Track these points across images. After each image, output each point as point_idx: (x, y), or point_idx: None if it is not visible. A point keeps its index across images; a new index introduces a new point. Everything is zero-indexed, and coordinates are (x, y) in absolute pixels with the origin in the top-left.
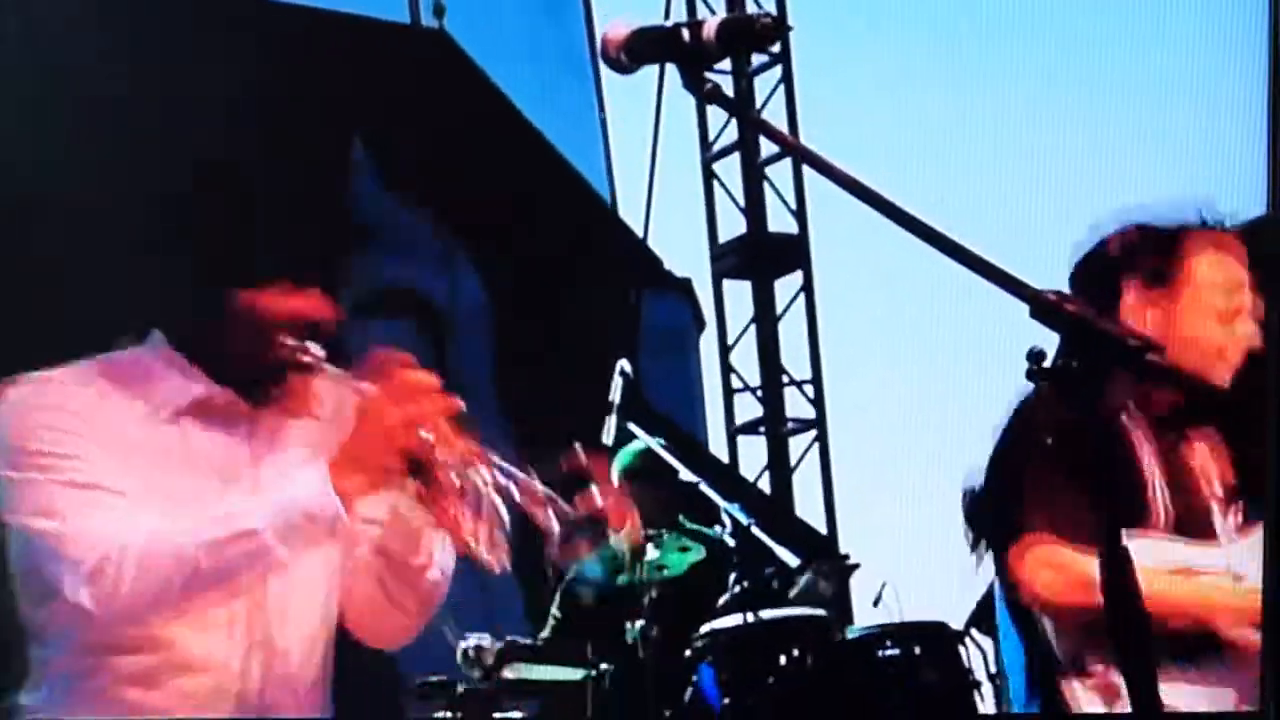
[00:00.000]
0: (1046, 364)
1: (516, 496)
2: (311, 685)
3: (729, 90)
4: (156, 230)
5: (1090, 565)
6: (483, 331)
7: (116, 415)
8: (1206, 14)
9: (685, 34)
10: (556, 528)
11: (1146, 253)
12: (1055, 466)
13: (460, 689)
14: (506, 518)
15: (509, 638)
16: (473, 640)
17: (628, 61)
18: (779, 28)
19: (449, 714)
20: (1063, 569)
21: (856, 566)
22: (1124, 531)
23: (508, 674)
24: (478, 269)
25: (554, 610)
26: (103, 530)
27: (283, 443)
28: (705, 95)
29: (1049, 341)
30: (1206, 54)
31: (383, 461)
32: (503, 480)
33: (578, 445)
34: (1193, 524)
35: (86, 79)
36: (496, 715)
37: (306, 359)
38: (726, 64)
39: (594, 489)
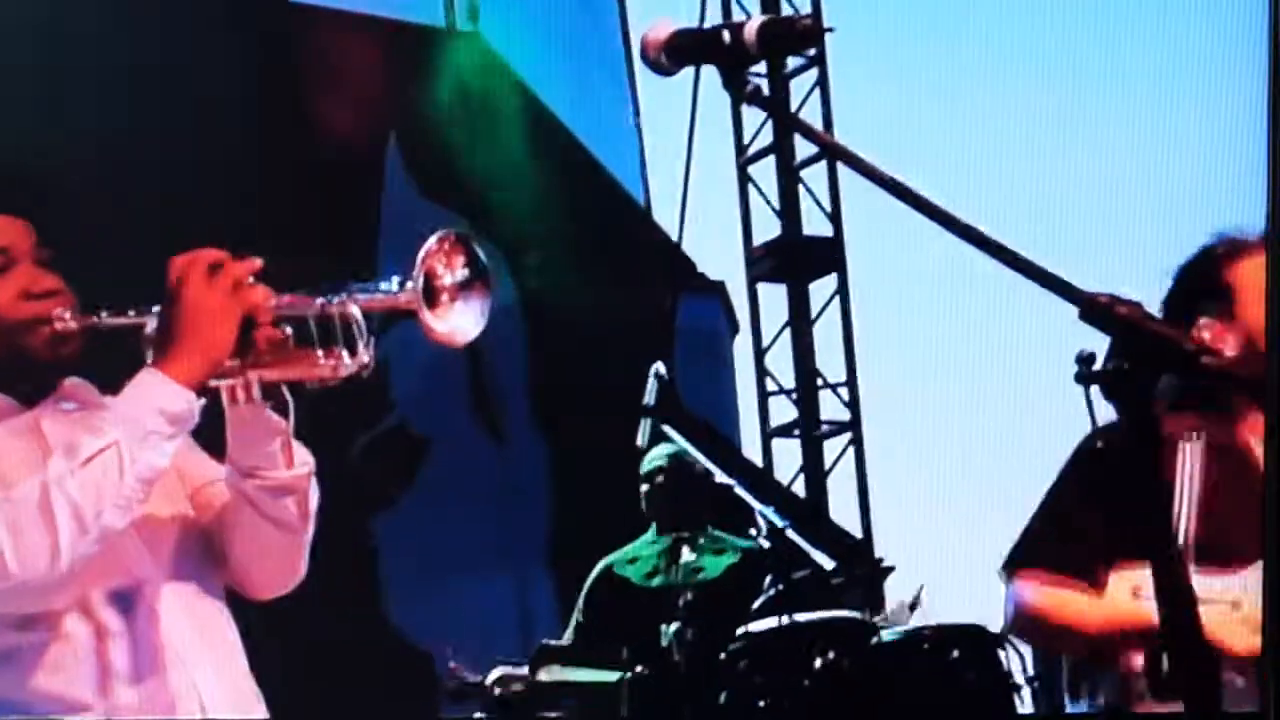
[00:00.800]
0: (1096, 366)
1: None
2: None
3: (767, 92)
4: None
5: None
6: (516, 336)
7: None
8: (1207, 13)
9: (726, 36)
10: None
11: (1214, 272)
12: (1083, 490)
13: (496, 691)
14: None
15: (544, 641)
16: (498, 673)
17: (668, 63)
18: (819, 30)
19: (483, 715)
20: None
21: (891, 570)
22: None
23: (543, 676)
24: (511, 273)
25: (576, 614)
26: None
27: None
28: (745, 96)
29: (1089, 342)
30: (1207, 50)
31: (209, 337)
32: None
33: None
34: (1219, 549)
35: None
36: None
37: (60, 326)
38: (760, 66)
39: None
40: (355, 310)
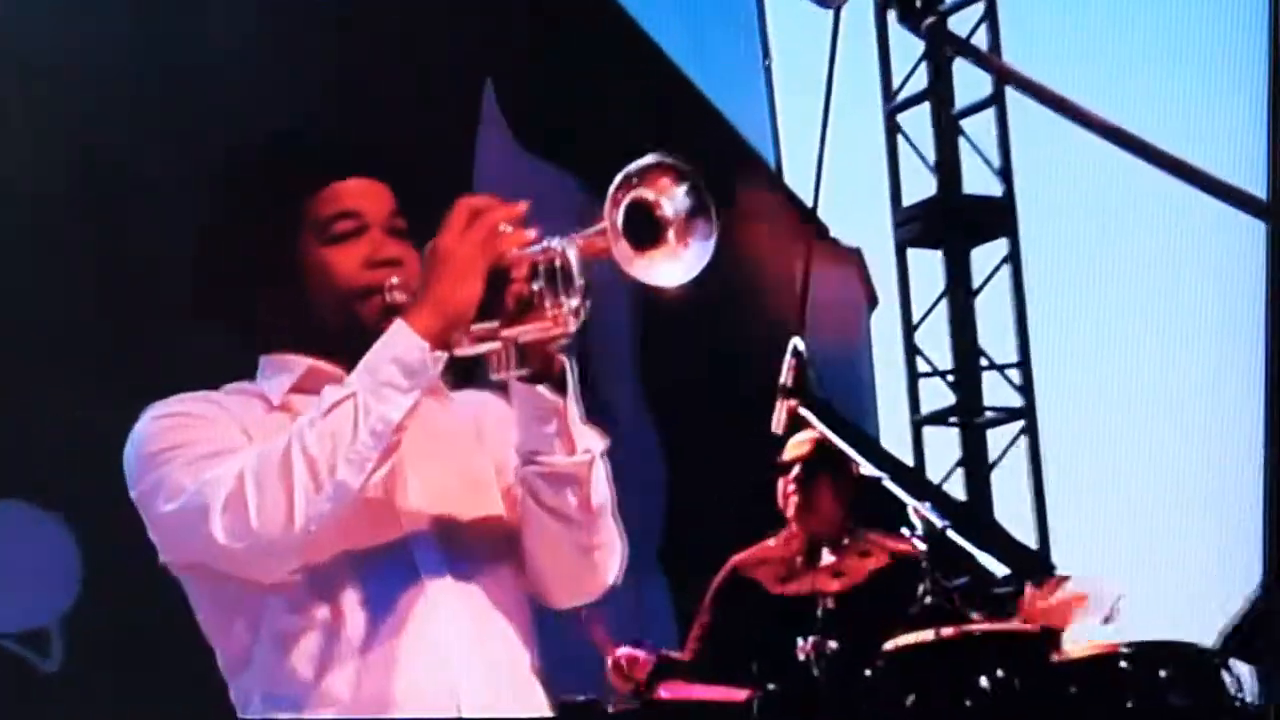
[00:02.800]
0: None
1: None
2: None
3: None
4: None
5: None
6: (623, 306)
7: (234, 410)
8: (1207, 13)
9: None
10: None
11: None
12: None
13: (609, 709)
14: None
15: (662, 651)
16: (625, 651)
17: None
18: None
19: None
20: None
21: (1066, 579)
22: None
23: (662, 694)
24: None
25: (700, 623)
26: (227, 471)
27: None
28: (927, 31)
29: None
30: (1207, 50)
31: (450, 289)
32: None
33: None
34: None
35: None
36: None
37: (389, 298)
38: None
39: None
40: (574, 254)
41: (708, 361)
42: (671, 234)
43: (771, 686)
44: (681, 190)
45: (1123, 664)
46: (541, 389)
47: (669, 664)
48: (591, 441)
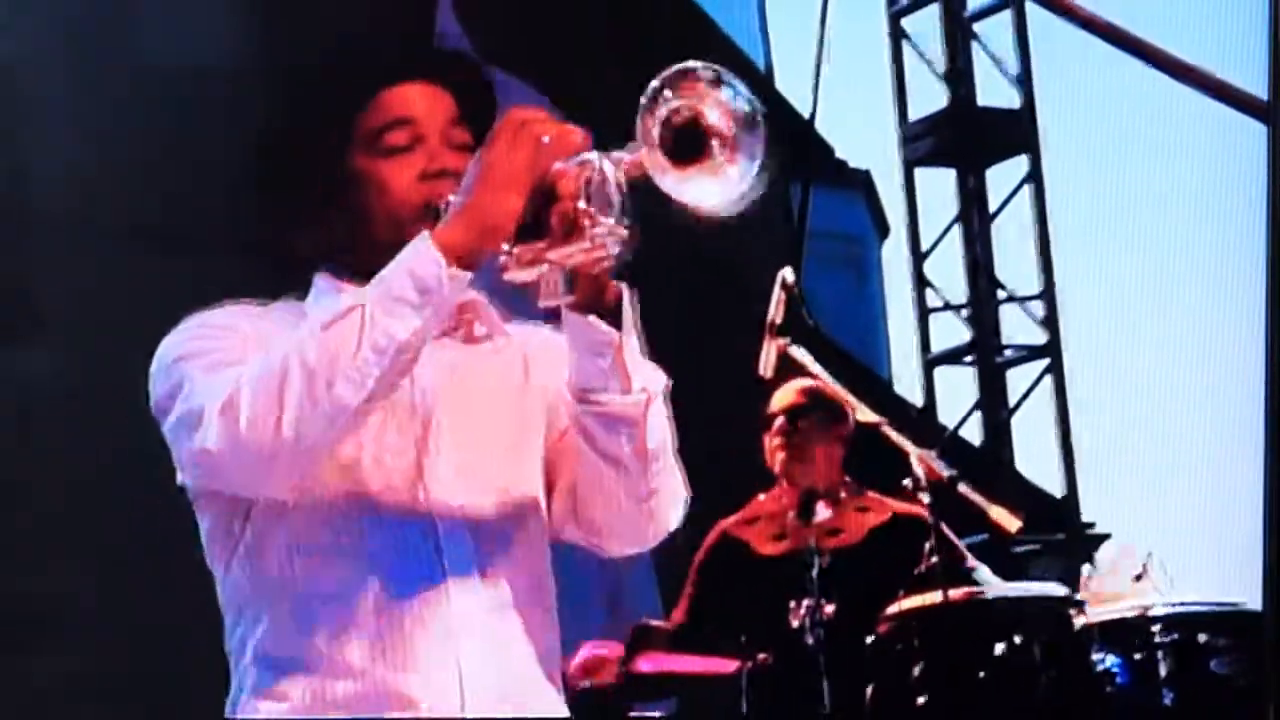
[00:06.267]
0: None
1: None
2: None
3: None
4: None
5: None
6: None
7: (273, 324)
8: (1208, 12)
9: None
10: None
11: None
12: None
13: (582, 682)
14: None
15: (642, 620)
16: (584, 654)
17: None
18: None
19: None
20: None
21: (1105, 537)
22: None
23: (642, 666)
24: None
25: (689, 590)
26: (229, 377)
27: (454, 374)
28: None
29: None
30: (1207, 50)
31: (487, 202)
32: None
33: None
34: None
35: None
36: (631, 715)
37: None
38: None
39: None
40: (609, 169)
41: (696, 299)
42: (716, 147)
43: (762, 656)
44: (730, 99)
45: (1155, 629)
46: (593, 319)
47: (649, 633)
48: (650, 379)
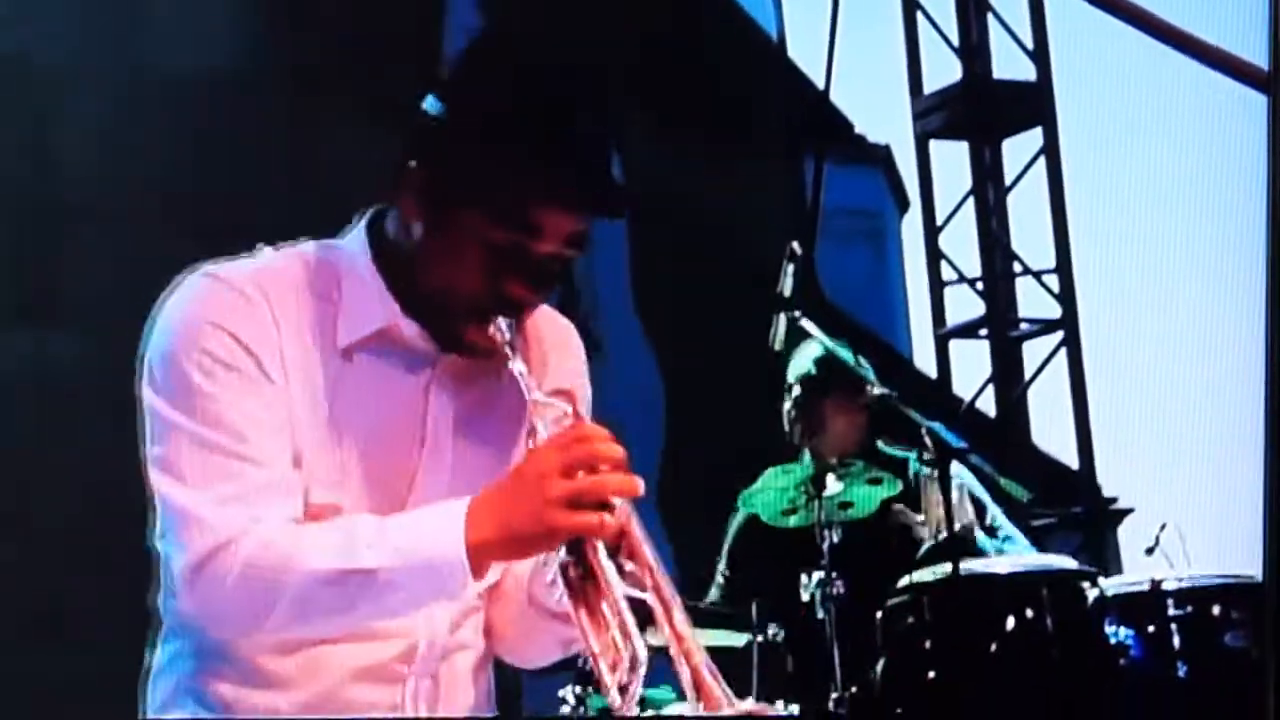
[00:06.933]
0: None
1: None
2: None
3: None
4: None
5: None
6: (621, 226)
7: (311, 338)
8: (1208, 12)
9: None
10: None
11: None
12: None
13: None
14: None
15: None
16: None
17: None
18: None
19: (577, 688)
20: None
21: (1127, 513)
22: None
23: (651, 640)
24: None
25: (722, 568)
26: (230, 514)
27: (474, 402)
28: None
29: None
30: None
31: (530, 536)
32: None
33: None
34: None
35: None
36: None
37: (493, 341)
38: None
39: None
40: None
41: (711, 275)
42: None
43: (772, 630)
44: None
45: (1170, 602)
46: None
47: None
48: None
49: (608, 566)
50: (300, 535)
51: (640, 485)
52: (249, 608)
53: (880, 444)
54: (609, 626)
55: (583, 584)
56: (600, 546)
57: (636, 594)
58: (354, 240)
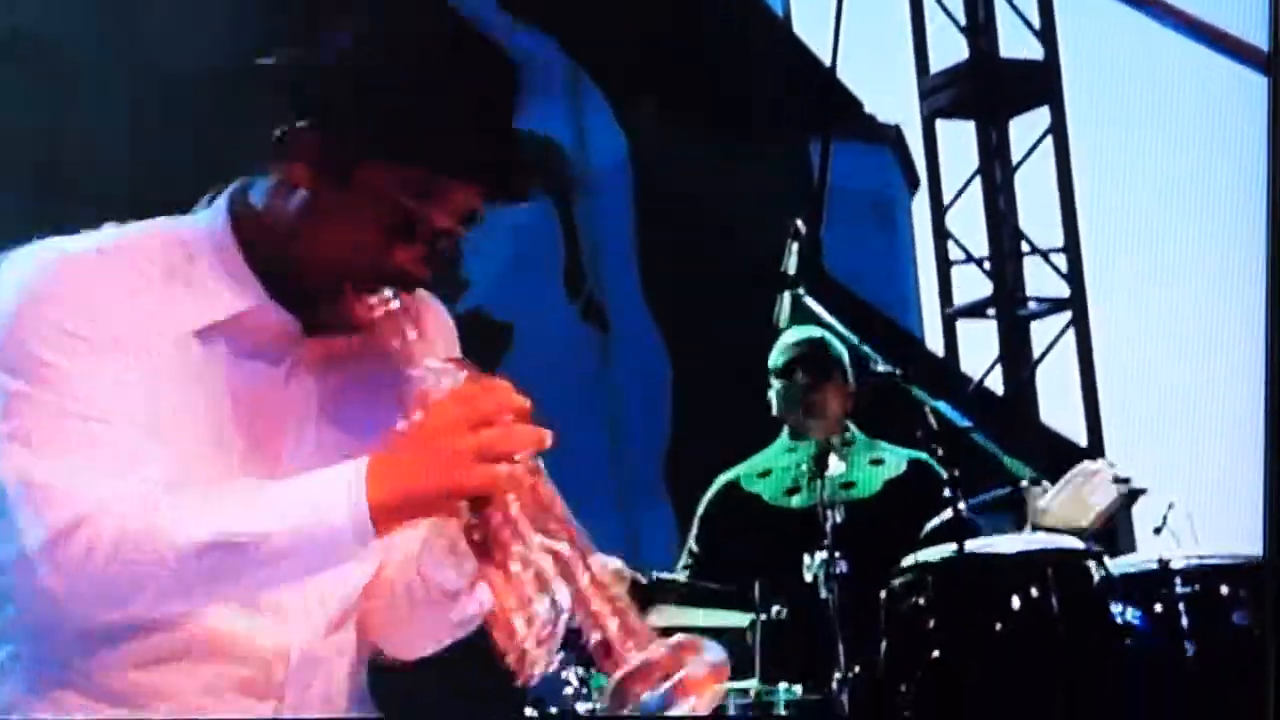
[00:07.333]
0: None
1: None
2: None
3: None
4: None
5: None
6: (620, 189)
7: (160, 316)
8: (1207, 12)
9: None
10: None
11: None
12: None
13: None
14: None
15: (655, 574)
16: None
17: None
18: None
19: (578, 670)
20: None
21: (1142, 491)
22: None
23: (652, 619)
24: (613, 110)
25: (691, 543)
26: (90, 483)
27: (338, 385)
28: None
29: None
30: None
31: (436, 494)
32: (584, 585)
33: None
34: None
35: None
36: None
37: (371, 312)
38: None
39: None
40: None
41: (716, 252)
42: None
43: (776, 609)
44: None
45: (1177, 581)
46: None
47: (663, 586)
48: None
49: (521, 519)
50: (176, 502)
51: (548, 437)
52: (121, 583)
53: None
54: (524, 582)
55: (490, 544)
56: (511, 499)
57: (552, 544)
58: (212, 217)
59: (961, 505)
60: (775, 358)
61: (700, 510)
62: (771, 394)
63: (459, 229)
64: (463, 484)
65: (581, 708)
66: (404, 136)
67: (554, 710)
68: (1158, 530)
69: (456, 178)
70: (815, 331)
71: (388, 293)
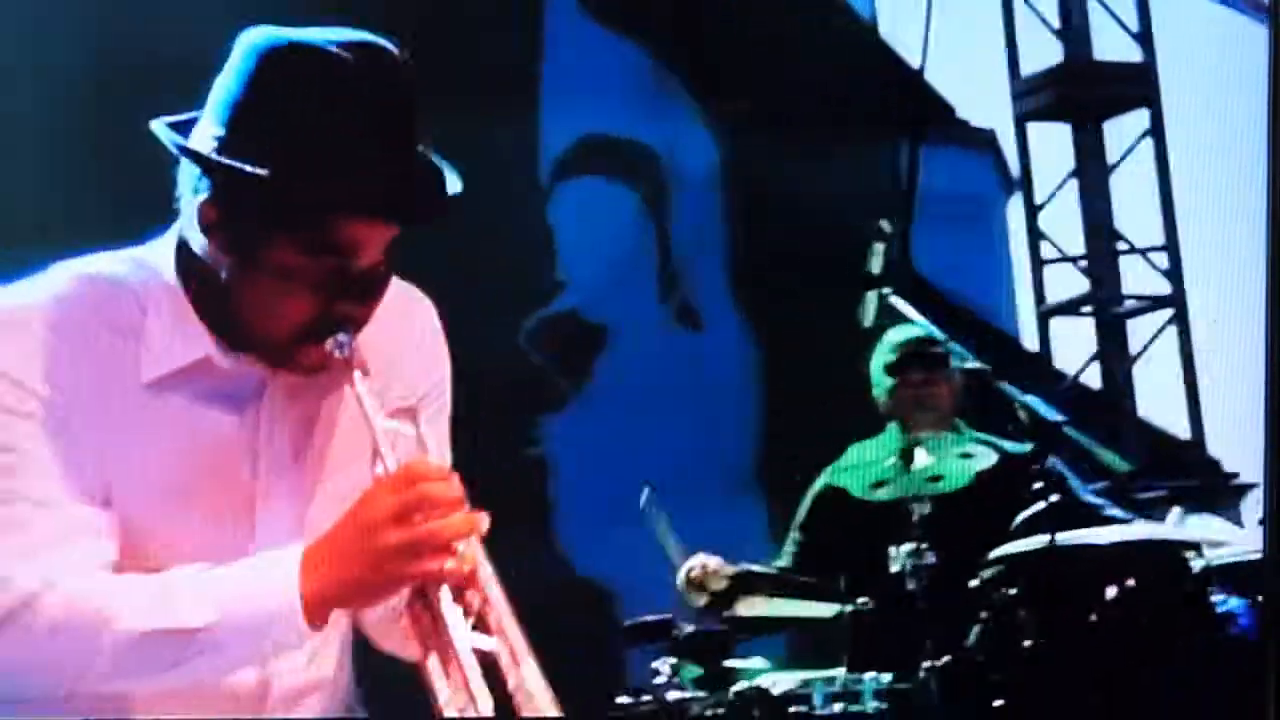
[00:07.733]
0: None
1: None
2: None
3: None
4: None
5: None
6: (710, 192)
7: (108, 373)
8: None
9: None
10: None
11: None
12: None
13: (684, 629)
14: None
15: (743, 565)
16: (698, 560)
17: None
18: None
19: (672, 660)
20: None
21: (1250, 488)
22: None
23: (741, 610)
24: (704, 114)
25: (794, 533)
26: (28, 564)
27: (305, 422)
28: None
29: None
30: (1206, 48)
31: (369, 586)
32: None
33: None
34: None
35: None
36: (728, 663)
37: (329, 358)
38: None
39: None
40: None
41: (807, 255)
42: None
43: (863, 601)
44: None
45: None
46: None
47: (753, 578)
48: None
49: (450, 614)
50: (111, 590)
51: (483, 522)
52: (63, 663)
53: (960, 429)
54: (455, 673)
55: (430, 627)
56: (444, 593)
57: (483, 641)
58: (163, 260)
59: (1055, 497)
60: (883, 355)
61: (804, 505)
62: (878, 391)
63: (382, 261)
64: (394, 577)
65: (671, 696)
66: (297, 206)
67: (647, 698)
68: (1262, 522)
69: (359, 220)
70: (920, 329)
71: (342, 337)
